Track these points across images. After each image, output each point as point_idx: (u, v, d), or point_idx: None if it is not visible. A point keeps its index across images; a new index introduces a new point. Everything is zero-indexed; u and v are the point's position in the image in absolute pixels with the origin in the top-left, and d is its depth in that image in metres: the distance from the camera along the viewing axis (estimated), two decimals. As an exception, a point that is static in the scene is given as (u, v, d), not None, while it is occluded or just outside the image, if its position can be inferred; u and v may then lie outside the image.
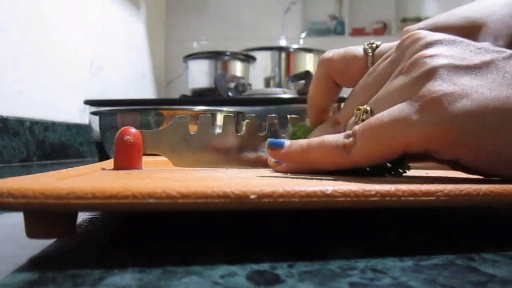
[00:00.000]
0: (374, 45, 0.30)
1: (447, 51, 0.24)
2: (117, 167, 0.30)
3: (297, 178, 0.24)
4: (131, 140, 0.30)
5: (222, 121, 0.34)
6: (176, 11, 1.81)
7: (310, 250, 0.18)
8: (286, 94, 1.03)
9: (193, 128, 0.33)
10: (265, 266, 0.16)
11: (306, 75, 1.17)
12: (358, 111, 0.26)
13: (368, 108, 0.25)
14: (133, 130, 0.31)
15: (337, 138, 0.25)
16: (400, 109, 0.23)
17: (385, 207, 0.18)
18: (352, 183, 0.18)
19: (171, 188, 0.16)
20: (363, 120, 0.25)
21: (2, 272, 0.15)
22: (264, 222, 0.24)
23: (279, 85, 1.32)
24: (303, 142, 0.26)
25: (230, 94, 1.09)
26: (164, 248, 0.18)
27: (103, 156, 0.80)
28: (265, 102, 0.82)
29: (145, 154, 0.32)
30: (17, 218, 0.26)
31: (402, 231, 0.22)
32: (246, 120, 0.34)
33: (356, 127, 0.24)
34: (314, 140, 0.26)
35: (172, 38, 1.82)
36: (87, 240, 0.19)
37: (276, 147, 0.26)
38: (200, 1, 1.81)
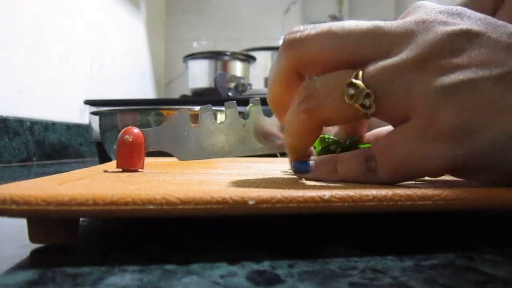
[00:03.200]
0: None
1: (474, 53, 0.20)
2: (118, 167, 0.30)
3: (296, 183, 0.24)
4: (130, 140, 0.30)
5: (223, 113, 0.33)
6: (176, 11, 1.81)
7: (310, 250, 0.18)
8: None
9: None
10: (265, 266, 0.16)
11: (306, 75, 1.17)
12: (354, 90, 0.22)
13: (370, 91, 0.21)
14: (135, 130, 0.31)
15: (359, 161, 0.23)
16: (414, 135, 0.21)
17: (382, 212, 0.18)
18: (350, 189, 0.18)
19: (171, 195, 0.16)
20: (362, 105, 0.22)
21: (2, 272, 0.15)
22: (264, 222, 0.24)
23: (279, 85, 1.32)
24: (328, 164, 0.25)
25: (230, 94, 1.09)
26: (164, 248, 0.18)
27: (103, 156, 0.80)
28: (265, 102, 0.82)
29: (149, 154, 0.32)
30: (17, 219, 0.26)
31: (402, 231, 0.22)
32: (250, 105, 0.32)
33: (376, 151, 0.22)
34: (339, 165, 0.24)
35: (172, 38, 1.82)
36: (87, 240, 0.19)
37: (303, 172, 0.25)
38: (200, 1, 1.80)
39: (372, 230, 0.22)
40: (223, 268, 0.15)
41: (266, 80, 1.36)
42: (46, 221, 0.17)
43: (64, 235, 0.17)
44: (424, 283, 0.14)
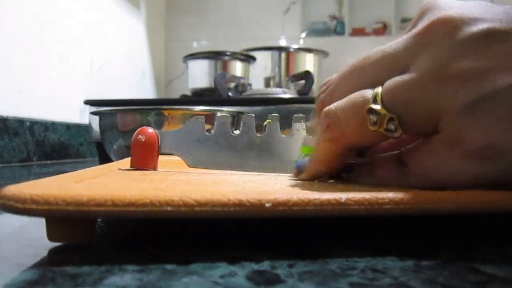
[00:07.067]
0: None
1: (499, 57, 0.18)
2: (132, 166, 0.31)
3: (311, 185, 0.24)
4: (143, 140, 0.30)
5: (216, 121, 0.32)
6: (176, 11, 1.81)
7: (310, 250, 0.18)
8: (286, 94, 1.03)
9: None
10: (265, 266, 0.16)
11: (306, 75, 1.17)
12: (376, 116, 0.20)
13: (393, 116, 0.20)
14: (150, 130, 0.31)
15: (393, 164, 0.22)
16: (442, 150, 0.20)
17: (399, 215, 0.18)
18: (366, 192, 0.18)
19: (188, 196, 0.16)
20: (386, 130, 0.21)
21: (2, 272, 0.15)
22: (264, 222, 0.24)
23: (279, 85, 1.32)
24: (367, 166, 0.24)
25: (230, 94, 1.09)
26: (164, 248, 0.18)
27: (103, 156, 0.80)
28: (265, 102, 0.82)
29: (162, 154, 0.32)
30: (18, 218, 0.26)
31: (402, 231, 0.22)
32: (268, 120, 0.31)
33: (406, 158, 0.22)
34: (375, 167, 0.24)
35: (172, 38, 1.82)
36: (87, 241, 0.19)
37: (347, 172, 0.25)
38: (200, 1, 1.80)
39: (372, 230, 0.22)
40: (223, 268, 0.15)
41: (266, 80, 1.36)
42: (64, 220, 0.17)
43: (81, 234, 0.18)
44: (424, 283, 0.14)
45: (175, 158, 0.33)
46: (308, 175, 0.26)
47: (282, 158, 0.31)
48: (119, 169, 0.30)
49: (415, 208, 0.18)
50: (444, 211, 0.18)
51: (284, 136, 0.31)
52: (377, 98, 0.21)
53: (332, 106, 0.23)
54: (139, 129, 0.31)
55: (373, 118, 0.21)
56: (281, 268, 0.15)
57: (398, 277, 0.14)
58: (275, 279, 0.14)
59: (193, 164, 0.32)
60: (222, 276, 0.14)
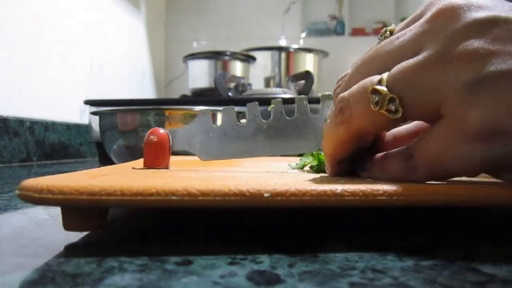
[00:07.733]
0: (387, 34, 0.24)
1: (503, 41, 0.19)
2: (144, 166, 0.32)
3: (313, 178, 0.24)
4: (154, 140, 0.31)
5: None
6: (176, 11, 1.81)
7: (310, 250, 0.18)
8: (286, 94, 1.03)
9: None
10: (265, 266, 0.16)
11: (306, 75, 1.17)
12: (378, 96, 0.21)
13: (393, 96, 0.21)
14: (161, 130, 0.32)
15: (401, 159, 0.23)
16: (446, 135, 0.20)
17: (393, 206, 0.18)
18: (361, 184, 0.18)
19: (192, 187, 0.17)
20: (387, 111, 0.21)
21: (2, 272, 0.15)
22: (264, 222, 0.24)
23: (279, 85, 1.32)
24: (379, 164, 0.24)
25: (230, 94, 1.09)
26: (164, 248, 0.18)
27: (103, 156, 0.80)
28: (265, 102, 0.82)
29: (175, 153, 0.32)
30: (18, 218, 0.26)
31: (402, 231, 0.22)
32: (272, 106, 0.32)
33: (413, 150, 0.22)
34: (386, 163, 0.24)
35: (172, 38, 1.82)
36: (87, 241, 0.19)
37: (360, 171, 0.25)
38: (200, 1, 1.80)
39: (372, 230, 0.22)
40: (223, 268, 0.15)
41: (266, 80, 1.36)
42: (78, 210, 0.18)
43: (94, 224, 0.19)
44: (424, 283, 0.14)
45: (187, 158, 0.33)
46: (328, 167, 0.26)
47: (290, 139, 0.32)
48: (133, 168, 0.31)
49: (408, 200, 0.18)
50: (437, 203, 0.18)
51: (289, 118, 0.32)
52: (382, 80, 0.21)
53: (346, 92, 0.23)
54: (150, 130, 0.32)
55: (375, 98, 0.21)
56: (281, 268, 0.15)
57: (398, 277, 0.14)
58: (275, 279, 0.14)
59: (206, 157, 0.32)
60: (222, 276, 0.14)
